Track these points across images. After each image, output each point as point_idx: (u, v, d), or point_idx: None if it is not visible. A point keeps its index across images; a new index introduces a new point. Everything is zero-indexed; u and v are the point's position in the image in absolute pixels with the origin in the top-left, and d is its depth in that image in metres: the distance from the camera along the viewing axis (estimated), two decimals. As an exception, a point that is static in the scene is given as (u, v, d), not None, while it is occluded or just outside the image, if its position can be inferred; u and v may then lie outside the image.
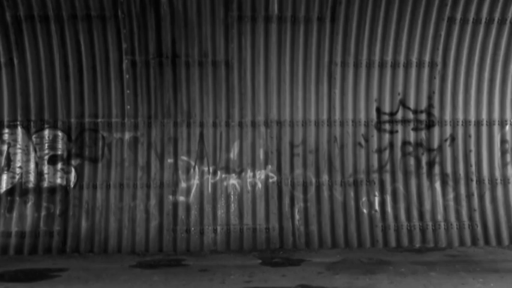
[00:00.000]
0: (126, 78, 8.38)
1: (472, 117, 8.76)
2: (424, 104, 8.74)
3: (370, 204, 8.53)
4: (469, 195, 8.58)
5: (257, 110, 8.55)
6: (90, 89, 8.39)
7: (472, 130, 8.71)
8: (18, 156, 8.23)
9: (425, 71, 8.70)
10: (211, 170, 8.38)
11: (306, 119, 8.63)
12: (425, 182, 8.59)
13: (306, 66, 8.58)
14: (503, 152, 8.65)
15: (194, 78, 8.45)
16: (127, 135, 8.36)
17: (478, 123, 8.74)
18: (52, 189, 8.25)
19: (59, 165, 8.31)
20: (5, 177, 8.11)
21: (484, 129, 8.72)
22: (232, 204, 8.46)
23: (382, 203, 8.56)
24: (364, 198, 8.52)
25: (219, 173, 8.45)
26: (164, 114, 8.47)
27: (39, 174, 8.22)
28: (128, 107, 8.41)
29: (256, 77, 8.54)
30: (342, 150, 8.63)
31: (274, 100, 8.56)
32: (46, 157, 8.30)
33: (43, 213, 8.16)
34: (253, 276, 6.43)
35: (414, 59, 8.66)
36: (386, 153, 8.66)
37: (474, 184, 8.60)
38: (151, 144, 8.41)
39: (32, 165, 8.25)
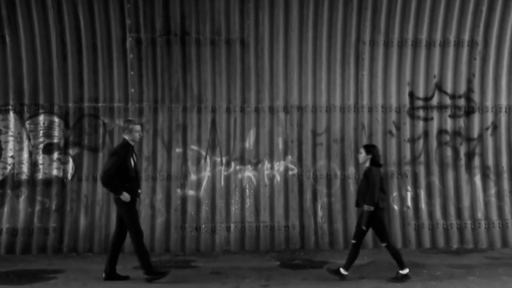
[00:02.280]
0: (130, 58, 8.13)
1: (517, 103, 8.48)
2: (462, 88, 8.50)
3: (402, 200, 8.27)
4: (513, 191, 8.29)
5: (276, 94, 8.30)
6: (90, 70, 8.12)
7: (517, 117, 8.43)
8: (10, 145, 7.99)
9: (464, 51, 8.45)
10: (224, 161, 8.14)
11: (330, 105, 8.37)
12: (463, 176, 8.36)
13: (330, 45, 8.33)
14: (552, 142, 8.36)
15: (206, 58, 8.22)
16: None
17: (524, 110, 8.47)
18: (47, 182, 7.99)
19: (55, 155, 8.05)
20: (-5, 168, 7.87)
21: (530, 116, 8.44)
22: (248, 199, 8.17)
23: (415, 199, 8.28)
24: (395, 193, 8.26)
25: (232, 164, 8.22)
26: (172, 98, 8.23)
27: (33, 165, 7.97)
28: (132, 90, 8.15)
29: (275, 56, 8.30)
30: (371, 139, 8.34)
31: (295, 83, 8.32)
32: (41, 146, 8.03)
33: (37, 208, 7.90)
34: (271, 280, 6.18)
35: (452, 37, 8.40)
36: (420, 143, 8.39)
37: (519, 178, 8.31)
38: (157, 131, 8.17)
39: (25, 155, 7.99)
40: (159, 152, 8.20)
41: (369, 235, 7.90)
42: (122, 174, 5.86)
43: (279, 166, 8.26)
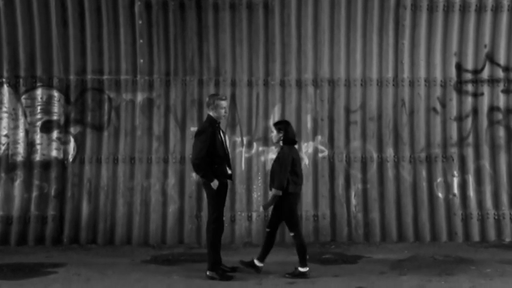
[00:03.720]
0: (138, 25, 7.99)
1: None
2: (517, 59, 8.28)
3: (447, 187, 8.04)
4: None
5: (304, 66, 8.12)
6: (94, 37, 7.98)
7: None
8: (4, 122, 7.90)
9: (520, 17, 8.19)
10: (245, 142, 7.96)
11: (365, 78, 8.14)
12: (518, 159, 8.19)
13: (366, 9, 8.13)
14: None
15: (224, 25, 8.06)
16: (139, 97, 7.99)
17: None
18: (46, 164, 7.87)
19: (55, 134, 7.92)
20: (-13, 148, 7.95)
21: None
22: None
23: (463, 185, 8.06)
24: (439, 179, 8.05)
25: (255, 145, 8.03)
26: (186, 70, 8.07)
27: (30, 145, 7.88)
28: (141, 61, 8.00)
29: (303, 23, 8.12)
30: (412, 117, 8.11)
31: (326, 53, 8.12)
32: (38, 123, 7.91)
33: (34, 193, 7.80)
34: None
35: (505, 0, 8.09)
36: (469, 122, 8.14)
37: None
38: (169, 108, 8.03)
39: (21, 134, 7.90)
40: (172, 131, 8.03)
41: (409, 226, 7.87)
42: (210, 155, 5.89)
43: (308, 147, 8.06)
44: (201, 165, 5.83)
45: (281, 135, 5.95)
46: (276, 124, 6.14)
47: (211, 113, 6.03)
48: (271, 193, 5.93)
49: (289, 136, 5.99)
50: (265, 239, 6.07)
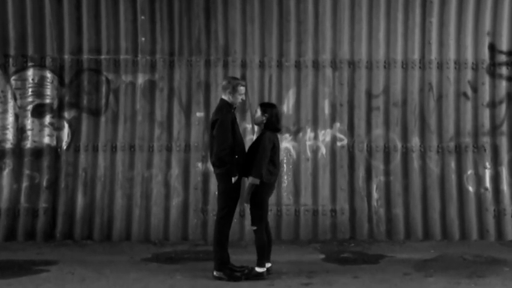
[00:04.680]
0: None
1: None
2: (558, 39, 8.16)
3: (479, 180, 7.87)
4: None
5: (321, 46, 7.95)
6: (91, 13, 7.87)
7: None
8: None
9: (562, -8, 8.01)
10: (256, 129, 7.50)
11: (389, 59, 7.96)
12: (558, 150, 8.12)
13: None
14: None
15: (234, 1, 7.95)
16: (140, 79, 7.88)
17: None
18: (37, 152, 7.76)
19: (47, 119, 7.82)
20: (-28, 134, 8.00)
21: None
22: (285, 177, 7.89)
23: (496, 178, 7.87)
24: (470, 171, 7.90)
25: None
26: (192, 49, 7.94)
27: (20, 131, 7.79)
28: (143, 39, 7.89)
29: None
30: (440, 102, 7.94)
31: (346, 32, 7.97)
32: (29, 107, 7.79)
33: (25, 184, 7.70)
34: (313, 277, 5.89)
35: None
36: (503, 108, 7.95)
37: None
38: (173, 91, 7.91)
39: (11, 119, 7.79)
40: (176, 116, 7.91)
41: (436, 223, 7.67)
42: (230, 146, 5.84)
43: (325, 135, 7.90)
44: (226, 158, 5.67)
45: (264, 118, 5.82)
46: (262, 105, 6.04)
47: (226, 98, 5.87)
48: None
49: (272, 121, 5.86)
50: (256, 238, 5.89)
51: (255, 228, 5.81)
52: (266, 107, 5.98)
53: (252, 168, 5.72)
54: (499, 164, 7.86)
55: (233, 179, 5.73)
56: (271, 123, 5.87)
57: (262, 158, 5.73)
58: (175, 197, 7.78)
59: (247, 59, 7.95)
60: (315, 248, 7.34)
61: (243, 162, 5.84)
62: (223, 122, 5.76)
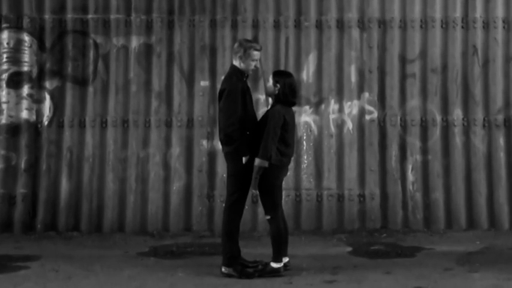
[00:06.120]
0: None
1: None
2: None
3: None
4: None
5: (346, 2, 7.52)
6: None
7: None
8: None
9: None
10: (270, 101, 6.90)
11: (426, 18, 7.46)
12: None
13: None
14: None
15: None
16: (134, 42, 7.47)
17: None
18: (14, 129, 7.38)
19: (25, 90, 7.41)
20: None
21: None
22: (305, 156, 7.48)
23: None
24: None
25: None
26: (195, 7, 7.51)
27: None
28: None
29: None
30: (486, 68, 7.42)
31: None
32: (4, 76, 7.39)
33: (0, 166, 7.39)
34: (338, 274, 5.57)
35: None
36: None
37: None
38: (173, 56, 7.50)
39: None
40: (176, 86, 7.46)
41: (482, 210, 7.17)
42: (240, 120, 5.56)
43: (351, 108, 7.44)
44: (235, 134, 5.34)
45: (276, 89, 5.45)
46: (274, 73, 5.69)
47: (237, 63, 5.51)
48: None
49: (284, 93, 5.46)
50: (270, 230, 5.65)
51: (268, 217, 5.52)
52: (278, 76, 5.65)
53: (259, 149, 5.47)
54: (555, 140, 7.54)
55: (244, 159, 5.38)
56: (283, 95, 5.52)
57: (271, 136, 5.40)
58: (176, 181, 7.39)
59: (260, 18, 7.49)
60: (340, 239, 7.04)
61: (254, 139, 5.58)
62: (232, 91, 5.43)
